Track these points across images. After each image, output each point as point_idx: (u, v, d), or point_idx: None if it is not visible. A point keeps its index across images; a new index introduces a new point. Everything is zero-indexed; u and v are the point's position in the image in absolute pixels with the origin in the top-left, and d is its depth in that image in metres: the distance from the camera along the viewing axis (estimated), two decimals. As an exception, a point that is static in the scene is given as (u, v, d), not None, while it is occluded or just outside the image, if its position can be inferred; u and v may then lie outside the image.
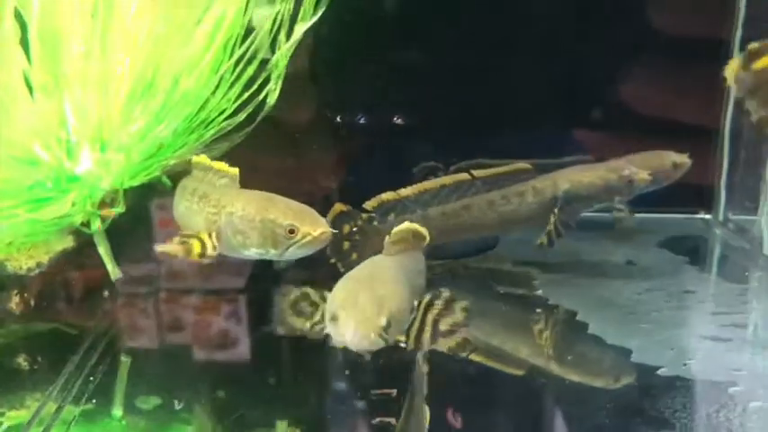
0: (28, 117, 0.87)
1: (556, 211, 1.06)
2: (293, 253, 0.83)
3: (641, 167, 1.10)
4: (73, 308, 1.01)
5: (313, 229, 0.82)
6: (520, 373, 0.86)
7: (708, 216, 1.37)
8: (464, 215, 1.07)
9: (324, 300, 0.81)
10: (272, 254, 0.83)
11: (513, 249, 1.16)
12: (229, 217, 0.84)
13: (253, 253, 0.85)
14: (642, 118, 1.31)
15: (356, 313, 0.69)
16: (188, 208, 0.90)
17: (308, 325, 0.96)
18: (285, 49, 1.00)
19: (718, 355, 0.85)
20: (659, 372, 0.81)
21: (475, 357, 0.86)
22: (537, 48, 1.28)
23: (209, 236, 0.85)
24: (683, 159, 1.19)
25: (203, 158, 0.92)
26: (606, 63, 1.30)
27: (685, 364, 0.83)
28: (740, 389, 0.78)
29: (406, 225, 0.84)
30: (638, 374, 0.82)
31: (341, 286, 0.74)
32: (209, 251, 0.84)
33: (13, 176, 0.87)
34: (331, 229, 0.83)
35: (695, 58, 1.24)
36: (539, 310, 1.00)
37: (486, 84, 1.28)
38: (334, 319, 0.69)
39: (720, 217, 1.35)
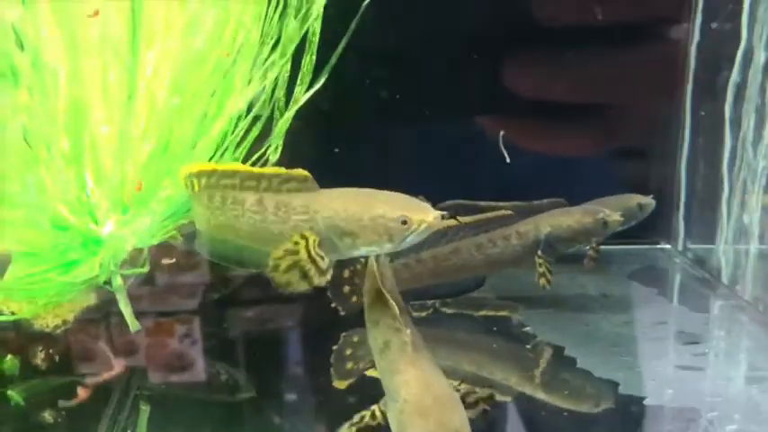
0: (56, 184, 0.92)
1: (540, 253, 1.16)
2: (409, 242, 0.83)
3: (612, 209, 1.21)
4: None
5: (425, 215, 0.81)
6: (524, 406, 0.95)
7: (667, 246, 1.49)
8: (453, 258, 1.16)
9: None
10: (386, 248, 0.83)
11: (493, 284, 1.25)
12: (330, 221, 0.83)
13: (363, 252, 0.84)
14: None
15: None
16: (251, 223, 0.86)
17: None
18: (287, 114, 1.08)
19: (694, 384, 0.96)
20: (645, 402, 0.91)
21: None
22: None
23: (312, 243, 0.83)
24: (648, 200, 1.31)
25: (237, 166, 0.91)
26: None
27: (667, 394, 0.93)
28: (717, 414, 0.88)
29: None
30: (628, 405, 0.91)
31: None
32: (319, 261, 0.83)
33: (44, 241, 0.93)
34: (441, 212, 0.82)
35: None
36: (528, 346, 1.09)
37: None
38: None
39: (680, 247, 1.47)
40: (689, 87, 1.41)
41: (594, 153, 1.47)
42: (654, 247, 1.50)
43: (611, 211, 1.19)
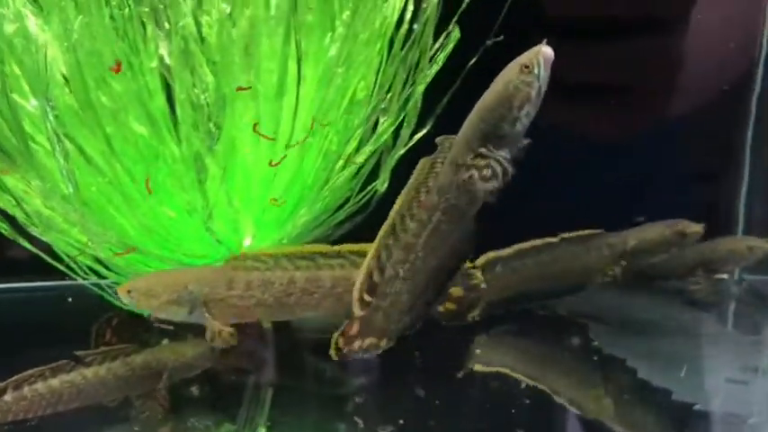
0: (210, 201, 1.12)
1: (622, 262, 1.31)
2: None
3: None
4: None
5: None
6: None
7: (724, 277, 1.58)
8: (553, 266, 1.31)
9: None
10: None
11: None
12: None
13: None
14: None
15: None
16: None
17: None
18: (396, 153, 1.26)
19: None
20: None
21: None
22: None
23: None
24: None
25: None
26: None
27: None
28: (756, 420, 1.04)
29: None
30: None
31: None
32: None
33: (196, 251, 1.15)
34: None
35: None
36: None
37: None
38: None
39: (735, 277, 1.59)
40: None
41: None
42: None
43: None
